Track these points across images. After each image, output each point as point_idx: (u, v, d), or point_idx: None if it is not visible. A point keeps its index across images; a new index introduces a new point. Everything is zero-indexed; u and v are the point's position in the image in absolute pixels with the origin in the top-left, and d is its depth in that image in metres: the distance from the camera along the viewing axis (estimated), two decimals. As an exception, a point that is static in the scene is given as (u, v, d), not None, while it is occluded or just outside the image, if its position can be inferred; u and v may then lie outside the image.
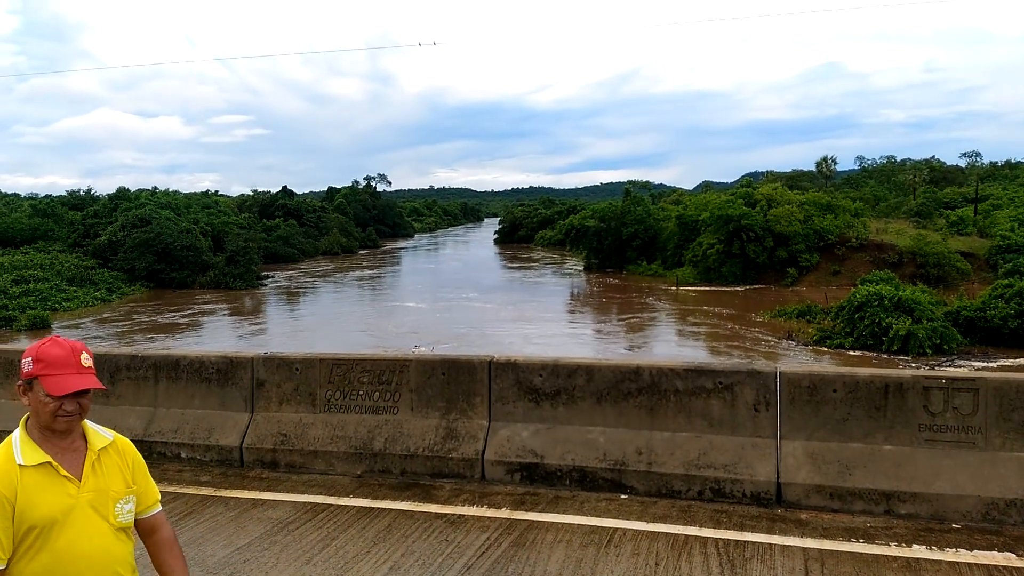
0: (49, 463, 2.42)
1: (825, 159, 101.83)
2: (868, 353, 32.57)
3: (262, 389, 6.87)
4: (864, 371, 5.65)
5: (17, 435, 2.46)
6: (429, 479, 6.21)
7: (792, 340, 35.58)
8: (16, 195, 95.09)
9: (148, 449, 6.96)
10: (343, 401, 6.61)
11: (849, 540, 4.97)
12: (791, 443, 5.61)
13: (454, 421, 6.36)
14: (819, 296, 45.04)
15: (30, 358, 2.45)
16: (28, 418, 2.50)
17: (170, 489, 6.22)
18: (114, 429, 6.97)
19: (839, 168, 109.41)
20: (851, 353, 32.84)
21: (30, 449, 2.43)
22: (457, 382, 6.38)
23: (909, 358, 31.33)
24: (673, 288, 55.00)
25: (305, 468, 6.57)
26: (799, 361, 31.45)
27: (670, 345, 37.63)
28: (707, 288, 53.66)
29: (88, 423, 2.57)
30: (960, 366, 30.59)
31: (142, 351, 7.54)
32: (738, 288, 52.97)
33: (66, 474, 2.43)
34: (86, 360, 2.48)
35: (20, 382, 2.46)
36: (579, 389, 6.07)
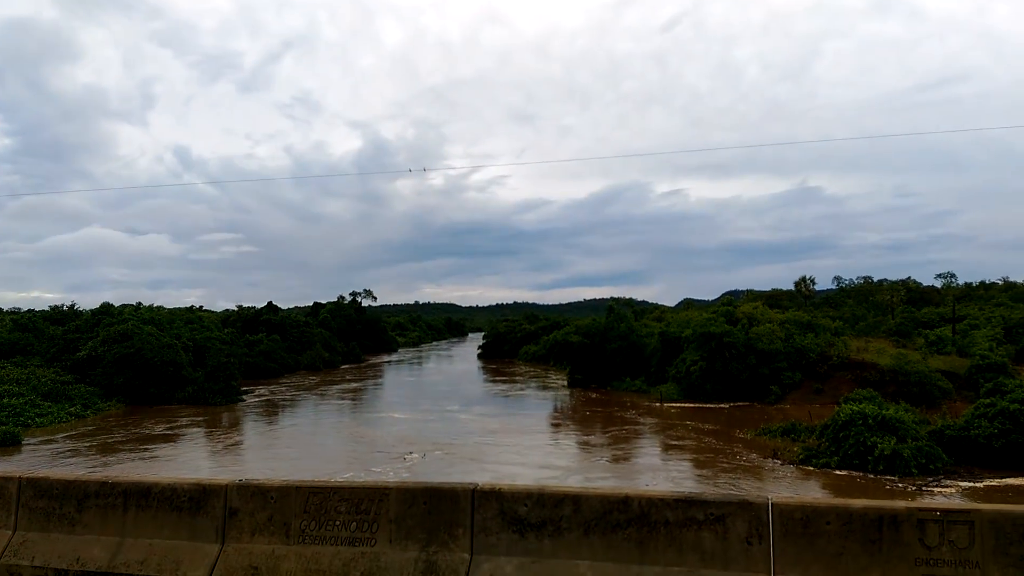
0: None
1: (804, 279, 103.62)
2: (854, 472, 32.14)
3: (234, 519, 6.61)
4: (857, 503, 5.51)
5: None
6: (407, 617, 5.91)
7: (777, 459, 35.12)
8: (13, 310, 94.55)
9: (112, 582, 6.62)
10: (319, 532, 6.36)
11: None
12: (786, 579, 5.40)
13: (434, 554, 6.10)
14: (803, 414, 44.78)
15: None
16: None
17: (132, 628, 5.87)
18: (77, 560, 6.66)
19: (818, 287, 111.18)
20: (837, 472, 32.38)
21: None
22: (439, 512, 6.16)
23: (896, 478, 30.92)
24: (657, 404, 54.67)
25: (276, 604, 6.24)
26: (787, 484, 30.97)
27: (655, 460, 37.08)
28: (691, 405, 53.37)
29: None
30: (947, 486, 30.19)
31: (112, 477, 7.28)
32: (722, 405, 52.71)
33: None
34: None
35: None
36: (566, 520, 5.87)
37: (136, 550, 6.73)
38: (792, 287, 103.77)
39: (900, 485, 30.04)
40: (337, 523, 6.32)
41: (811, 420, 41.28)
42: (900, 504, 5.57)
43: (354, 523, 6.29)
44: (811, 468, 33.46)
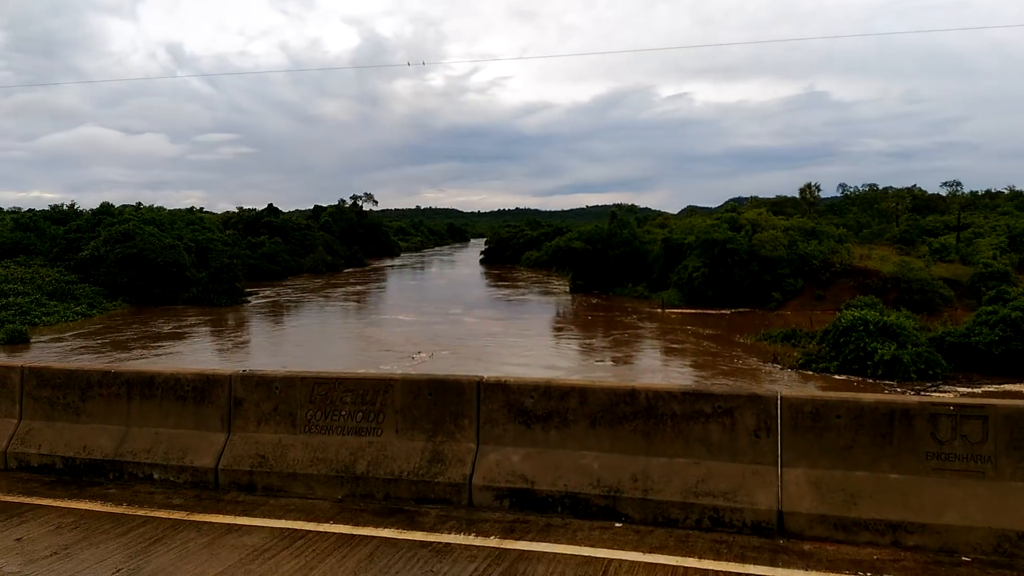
0: None
1: (809, 186, 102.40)
2: (853, 377, 32.61)
3: (240, 408, 6.57)
4: (868, 397, 5.43)
5: None
6: (414, 504, 5.92)
7: (777, 363, 35.57)
8: (14, 209, 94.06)
9: (119, 470, 6.64)
10: (325, 422, 6.32)
11: (855, 573, 4.71)
12: (793, 471, 5.37)
13: (441, 444, 6.08)
14: (804, 320, 45.12)
15: None
16: None
17: (140, 512, 5.90)
18: (84, 448, 6.66)
19: (823, 195, 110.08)
20: (836, 377, 32.87)
21: None
22: (445, 403, 6.11)
23: (894, 383, 31.39)
24: (659, 310, 55.00)
25: (284, 492, 6.26)
26: (787, 384, 31.32)
27: (655, 363, 37.61)
28: (692, 311, 53.71)
29: None
30: (945, 391, 30.59)
31: (115, 367, 7.23)
32: (723, 311, 53.06)
33: None
34: None
35: None
36: (572, 412, 5.82)
37: (142, 439, 6.73)
38: (797, 194, 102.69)
39: (899, 390, 30.47)
40: (343, 413, 6.28)
41: (812, 326, 41.70)
42: (912, 399, 5.50)
43: (360, 413, 6.25)
44: (810, 372, 33.95)
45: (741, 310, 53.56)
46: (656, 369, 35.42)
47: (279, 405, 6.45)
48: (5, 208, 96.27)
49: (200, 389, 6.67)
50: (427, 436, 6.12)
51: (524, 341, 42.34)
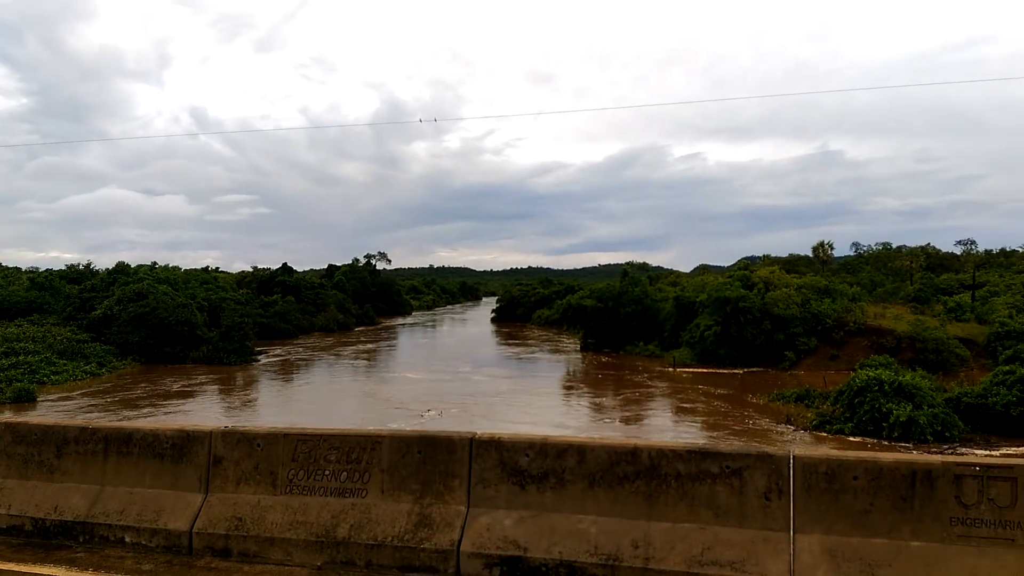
0: None
1: (822, 243, 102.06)
2: (868, 439, 31.85)
3: (219, 467, 6.22)
4: (887, 456, 5.04)
5: None
6: (398, 573, 5.51)
7: (790, 425, 34.81)
8: (17, 268, 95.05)
9: (90, 532, 6.27)
10: (307, 482, 5.96)
11: (878, 654, 4.28)
12: (807, 537, 4.95)
13: (429, 506, 5.69)
14: (817, 380, 44.38)
15: None
16: None
17: (107, 579, 5.52)
18: (55, 509, 6.30)
19: (835, 254, 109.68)
20: (851, 439, 32.11)
21: None
22: (434, 462, 5.74)
23: (910, 445, 30.60)
24: (670, 369, 54.35)
25: (260, 557, 5.86)
26: (800, 445, 30.58)
27: (665, 422, 36.92)
28: (704, 370, 53.03)
29: None
30: (963, 454, 29.78)
31: (93, 423, 6.90)
32: (735, 370, 52.35)
33: None
34: None
35: None
36: (569, 472, 5.44)
37: (116, 499, 6.36)
38: (810, 253, 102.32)
39: (915, 453, 29.75)
40: (327, 473, 5.92)
41: (826, 386, 40.90)
42: (935, 458, 5.09)
43: (344, 473, 5.88)
44: (824, 434, 33.15)
45: (753, 369, 52.80)
46: (666, 428, 34.74)
47: (260, 464, 6.10)
48: (24, 268, 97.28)
49: (179, 447, 6.33)
50: (414, 498, 5.74)
51: (534, 399, 41.89)
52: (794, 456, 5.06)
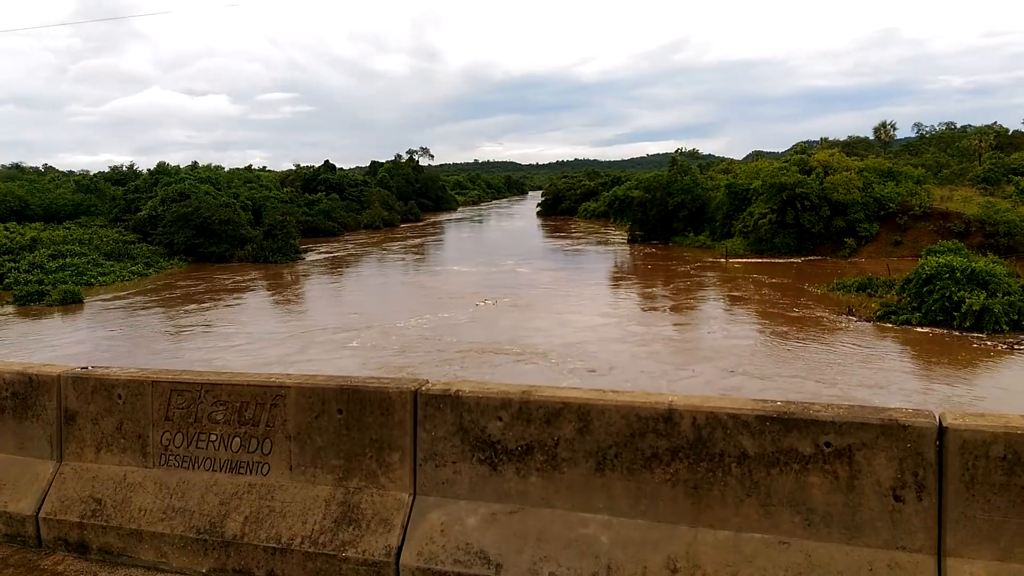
0: None
1: (884, 124, 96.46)
2: (937, 329, 29.93)
3: (72, 425, 4.32)
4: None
5: None
6: (308, 593, 3.62)
7: (852, 316, 32.71)
8: (72, 172, 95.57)
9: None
10: (187, 450, 4.04)
11: None
12: (968, 564, 2.89)
13: (356, 492, 3.73)
14: (880, 268, 42.00)
15: None
16: None
17: None
18: None
19: (897, 136, 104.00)
20: (919, 330, 30.23)
21: None
22: (362, 426, 3.74)
23: (984, 335, 28.64)
24: (722, 260, 51.98)
25: (126, 556, 4.02)
26: (864, 342, 28.45)
27: (716, 312, 35.12)
28: (758, 260, 50.64)
29: None
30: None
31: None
32: (792, 260, 49.89)
33: None
34: None
35: None
36: (566, 445, 3.41)
37: (-55, 468, 4.54)
38: (870, 135, 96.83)
39: (989, 343, 27.84)
40: (212, 438, 3.98)
41: (889, 274, 38.79)
42: None
43: (237, 439, 3.94)
44: (889, 325, 31.09)
45: (811, 258, 50.36)
46: (716, 318, 32.60)
47: (124, 422, 4.18)
48: (76, 171, 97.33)
49: (21, 395, 4.44)
50: (336, 478, 3.77)
51: (582, 291, 40.97)
52: (945, 427, 2.94)
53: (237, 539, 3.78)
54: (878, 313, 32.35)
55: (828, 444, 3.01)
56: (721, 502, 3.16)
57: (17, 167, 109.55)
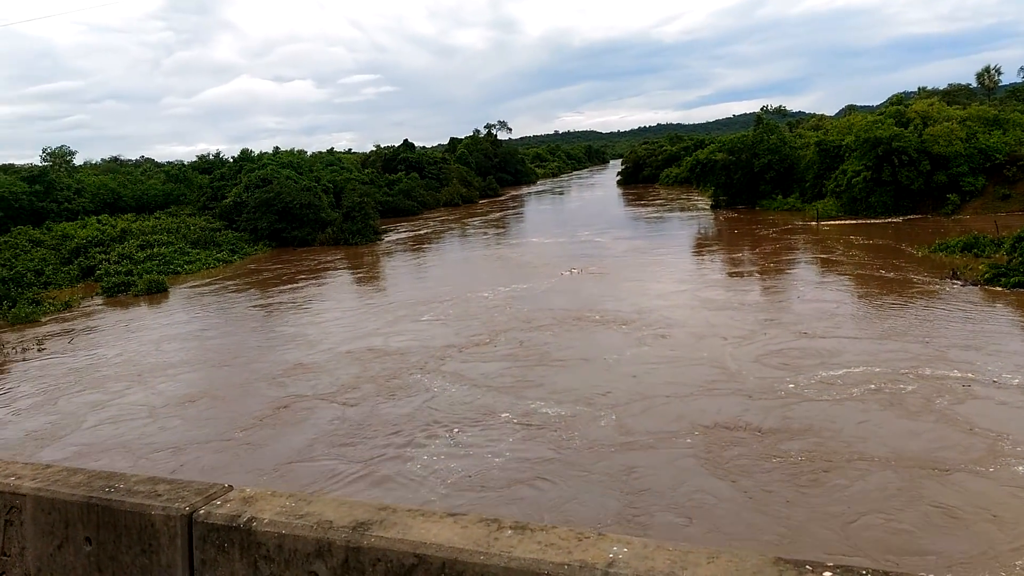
0: None
1: (987, 69, 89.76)
2: (1053, 293, 26.82)
3: None
4: None
5: None
6: None
7: (958, 280, 29.82)
8: (169, 163, 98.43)
9: None
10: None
11: None
12: None
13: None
14: (987, 225, 38.60)
15: None
16: None
17: None
18: None
19: (1002, 81, 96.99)
20: (1034, 293, 27.11)
21: None
22: (118, 567, 2.26)
23: (1109, 298, 25.57)
24: (812, 223, 48.98)
25: None
26: (972, 308, 25.76)
27: (808, 277, 32.95)
28: (852, 221, 47.51)
29: None
30: None
31: None
32: (890, 220, 46.57)
33: None
34: None
35: None
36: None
37: None
38: (972, 82, 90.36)
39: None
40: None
41: (998, 232, 35.51)
42: None
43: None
44: (1000, 288, 28.14)
45: (911, 217, 46.92)
46: (809, 281, 30.20)
47: None
48: (173, 162, 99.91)
49: None
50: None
51: (666, 258, 40.04)
52: None
53: None
54: (986, 275, 29.39)
55: None
56: None
57: (115, 160, 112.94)
